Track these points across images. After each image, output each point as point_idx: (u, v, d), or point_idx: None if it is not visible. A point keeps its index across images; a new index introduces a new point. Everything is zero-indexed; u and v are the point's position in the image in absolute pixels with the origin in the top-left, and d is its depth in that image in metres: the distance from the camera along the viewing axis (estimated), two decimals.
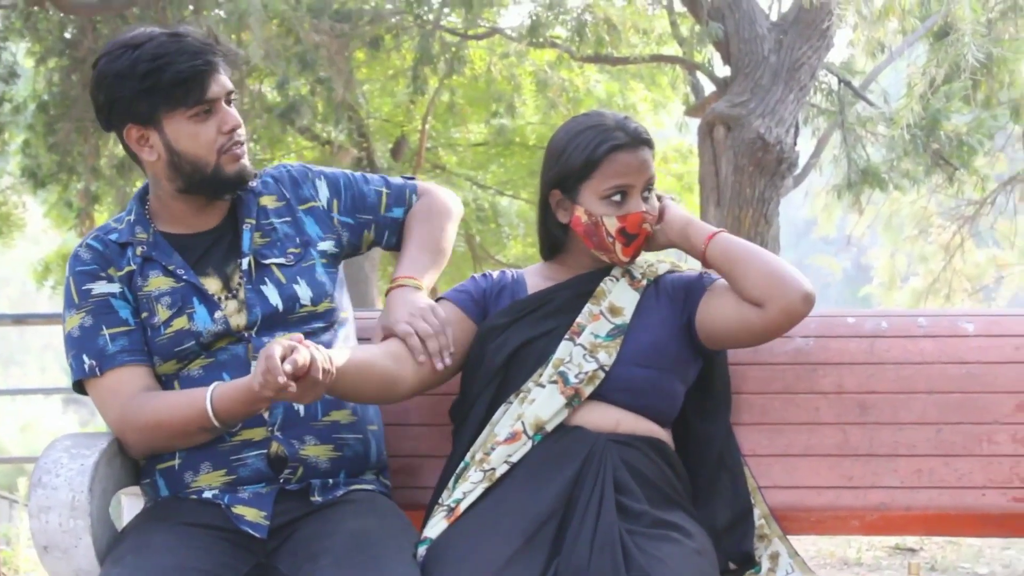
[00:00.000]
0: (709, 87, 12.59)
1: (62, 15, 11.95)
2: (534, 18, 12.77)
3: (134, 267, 3.26)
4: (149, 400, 3.17)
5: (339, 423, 3.26)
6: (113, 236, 3.30)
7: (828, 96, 12.56)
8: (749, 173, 10.34)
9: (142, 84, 3.14)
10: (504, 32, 14.12)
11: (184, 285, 3.24)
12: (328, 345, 3.27)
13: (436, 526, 3.11)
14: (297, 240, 3.36)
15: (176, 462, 3.19)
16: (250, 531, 3.10)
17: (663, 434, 3.31)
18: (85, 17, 11.86)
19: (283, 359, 2.80)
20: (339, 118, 13.57)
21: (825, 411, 3.53)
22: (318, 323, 3.29)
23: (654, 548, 2.95)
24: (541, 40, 13.12)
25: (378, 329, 3.30)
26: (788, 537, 3.47)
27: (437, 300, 3.47)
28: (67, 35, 12.38)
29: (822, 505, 3.50)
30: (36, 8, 11.73)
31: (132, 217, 3.32)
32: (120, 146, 10.90)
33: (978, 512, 3.49)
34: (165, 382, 3.23)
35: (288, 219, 3.38)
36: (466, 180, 17.43)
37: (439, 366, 3.23)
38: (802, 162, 11.83)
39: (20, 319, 9.50)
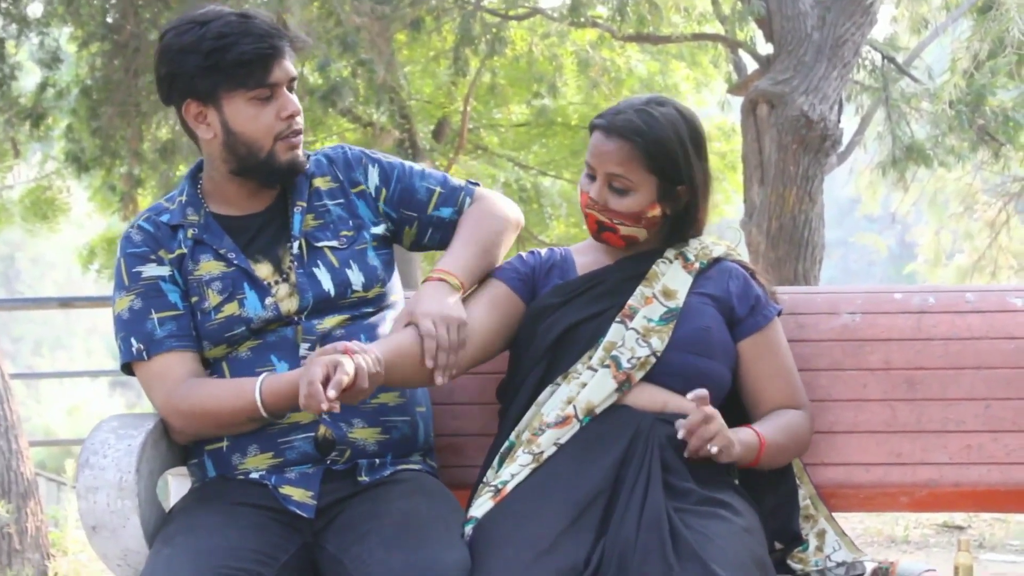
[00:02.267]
0: (751, 65, 12.55)
1: (104, 0, 11.99)
2: None
3: (185, 250, 3.25)
4: (196, 388, 3.17)
5: (387, 405, 3.25)
6: (165, 218, 3.29)
7: (872, 73, 12.50)
8: (793, 151, 10.29)
9: (205, 61, 3.14)
10: (545, 12, 14.09)
11: (235, 270, 3.23)
12: (375, 328, 3.28)
13: (482, 506, 3.11)
14: (350, 223, 3.35)
15: (224, 444, 3.20)
16: (297, 511, 3.11)
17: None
18: (127, 1, 11.88)
19: (326, 380, 2.81)
20: (381, 100, 13.56)
21: (872, 387, 3.52)
22: (368, 308, 3.28)
23: (702, 526, 2.93)
24: (582, 20, 13.09)
25: (404, 312, 3.24)
26: (835, 515, 3.46)
27: (485, 278, 3.46)
28: (109, 20, 12.41)
29: (871, 482, 3.48)
30: None
31: (184, 198, 3.31)
32: (163, 130, 10.85)
33: None
34: (213, 364, 3.23)
35: (341, 201, 3.37)
36: (508, 161, 17.42)
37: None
38: (846, 139, 11.76)
39: (66, 302, 9.57)
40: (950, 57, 11.70)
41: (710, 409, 3.03)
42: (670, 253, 3.37)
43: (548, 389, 3.28)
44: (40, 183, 15.66)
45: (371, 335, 3.27)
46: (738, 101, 12.14)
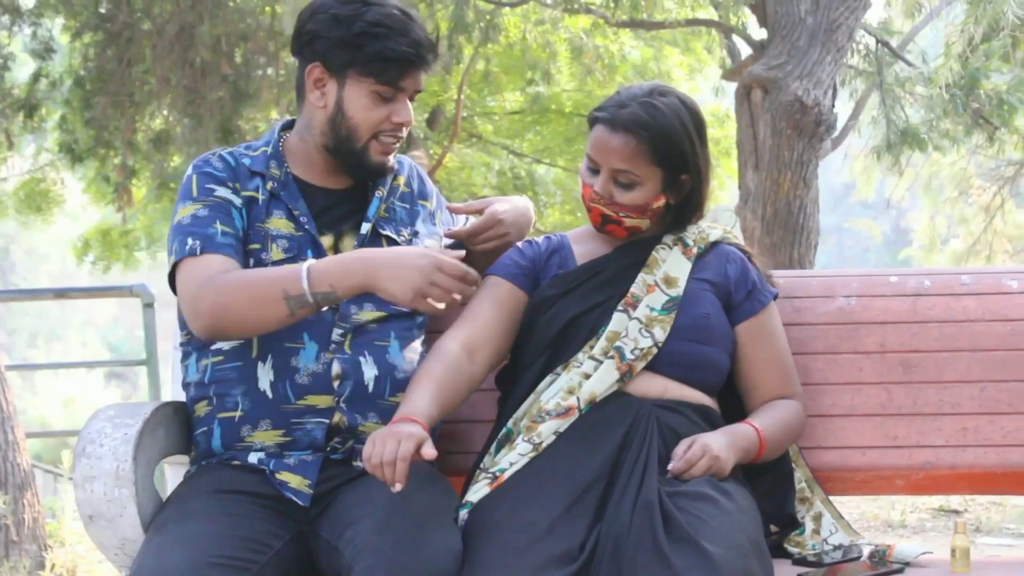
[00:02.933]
0: (745, 50, 12.55)
1: None
2: None
3: (260, 197, 3.27)
4: (236, 271, 3.16)
5: None
6: (246, 160, 3.32)
7: (866, 57, 12.50)
8: (787, 136, 10.30)
9: (351, 39, 3.19)
10: None
11: (304, 235, 3.26)
12: (409, 330, 3.35)
13: (479, 491, 3.11)
14: (409, 228, 3.42)
15: (238, 414, 3.19)
16: (294, 498, 3.11)
17: (709, 401, 3.30)
18: None
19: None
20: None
21: (868, 371, 3.52)
22: (404, 307, 3.27)
23: (695, 509, 2.94)
24: (576, 6, 13.08)
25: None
26: (832, 498, 3.47)
27: (484, 276, 3.46)
28: (102, 10, 12.39)
29: (866, 465, 3.50)
30: None
31: (269, 150, 3.35)
32: (157, 120, 10.81)
33: None
34: None
35: (408, 206, 3.45)
36: (502, 148, 17.41)
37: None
38: (840, 124, 11.78)
39: (61, 293, 9.53)
40: (944, 41, 11.70)
41: (691, 454, 3.07)
42: (668, 239, 3.37)
43: (548, 378, 3.28)
44: (34, 175, 15.64)
45: (402, 336, 3.32)
46: (732, 87, 12.14)
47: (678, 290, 3.29)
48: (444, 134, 16.35)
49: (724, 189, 16.33)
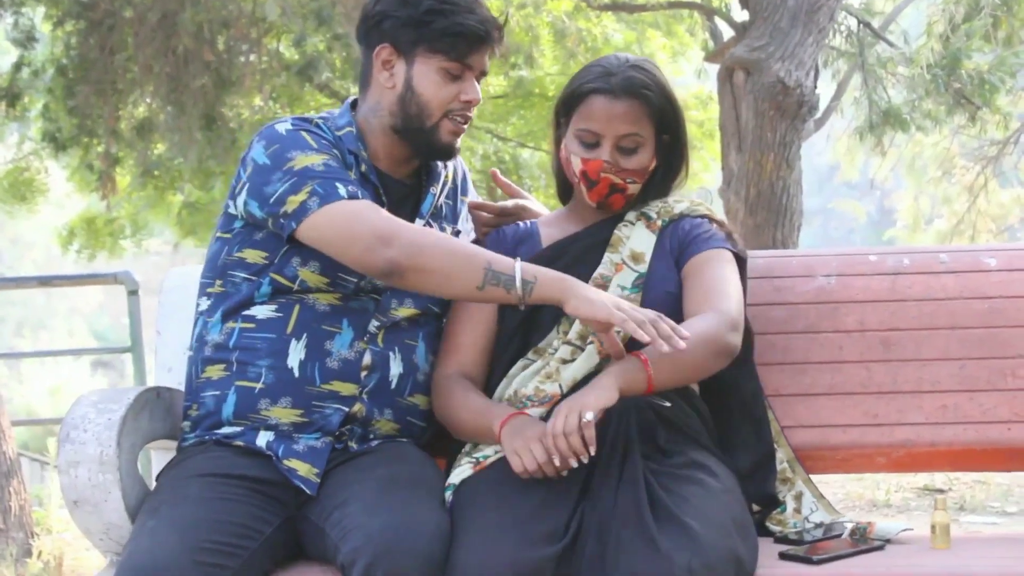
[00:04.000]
0: (727, 32, 12.55)
1: None
2: None
3: (354, 175, 3.27)
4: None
5: (417, 407, 3.32)
6: (341, 135, 3.31)
7: (848, 38, 12.51)
8: (770, 117, 10.30)
9: (421, 16, 3.22)
10: None
11: None
12: (432, 334, 3.37)
13: (462, 474, 3.13)
14: (453, 226, 3.45)
15: (259, 385, 3.19)
16: (302, 486, 3.12)
17: None
18: None
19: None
20: (358, 74, 13.54)
21: (848, 349, 3.54)
22: (437, 308, 3.35)
23: (680, 488, 2.95)
24: None
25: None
26: (813, 478, 3.48)
27: None
28: None
29: (847, 443, 3.51)
30: None
31: (353, 130, 3.33)
32: (140, 108, 10.77)
33: (1004, 446, 3.51)
34: (284, 296, 3.23)
35: (451, 202, 3.48)
36: (486, 133, 17.39)
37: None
38: (823, 105, 11.78)
39: (45, 281, 9.52)
40: (926, 21, 11.71)
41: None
42: (631, 215, 3.38)
43: (520, 363, 3.29)
44: (18, 164, 15.60)
45: (429, 339, 3.35)
46: (715, 69, 12.14)
47: (645, 265, 3.30)
48: None
49: (708, 171, 16.33)
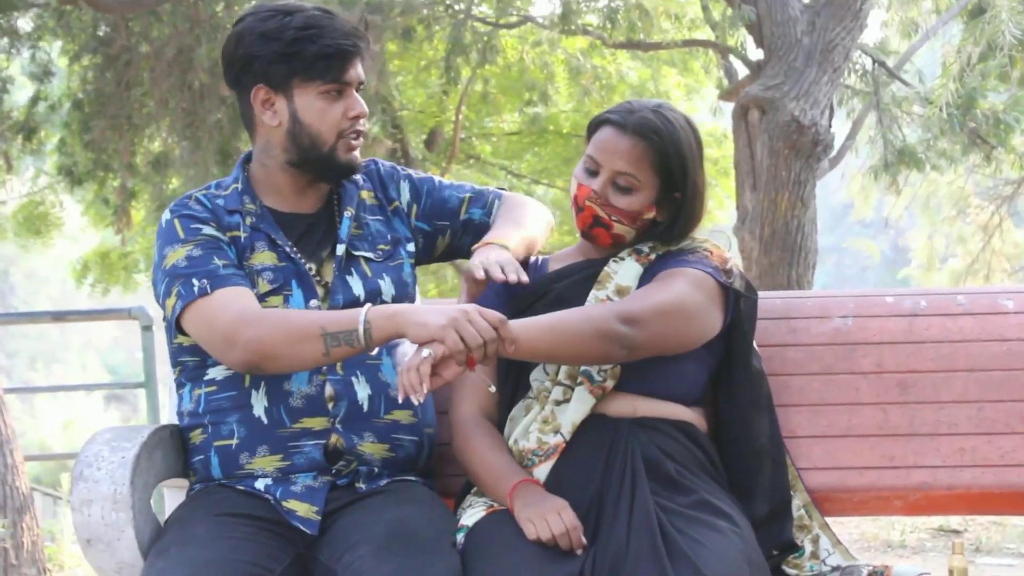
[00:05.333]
0: (742, 71, 12.57)
1: (95, 13, 11.98)
2: (566, 5, 12.75)
3: (243, 235, 3.25)
4: (276, 309, 3.17)
5: (399, 423, 3.27)
6: (220, 201, 3.29)
7: (863, 77, 12.52)
8: (784, 156, 10.30)
9: (287, 48, 3.17)
10: (536, 20, 14.10)
11: (287, 264, 3.25)
12: (395, 345, 3.31)
13: (474, 516, 3.12)
14: (388, 237, 3.39)
15: (234, 441, 3.19)
16: (301, 527, 3.11)
17: (688, 414, 3.26)
18: (117, 15, 11.88)
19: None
20: (373, 111, 13.57)
21: (865, 391, 3.52)
22: (368, 303, 3.23)
23: (693, 530, 2.93)
24: (573, 27, 13.10)
25: (463, 280, 3.22)
26: (831, 519, 3.46)
27: None
28: (100, 33, 12.41)
29: (864, 486, 3.49)
30: (69, 7, 11.77)
31: (239, 186, 3.32)
32: (155, 143, 10.80)
33: (1022, 490, 3.48)
34: None
35: (381, 217, 3.42)
36: (501, 169, 17.44)
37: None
38: (837, 144, 11.78)
39: (60, 316, 9.54)
40: (941, 60, 11.71)
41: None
42: (624, 252, 3.34)
43: (521, 404, 3.28)
44: (33, 198, 15.65)
45: (390, 347, 3.30)
46: (729, 107, 12.15)
47: None
48: (442, 155, 16.37)
49: (723, 209, 16.34)
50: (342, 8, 11.29)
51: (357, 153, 3.30)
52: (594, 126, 3.33)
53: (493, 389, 3.25)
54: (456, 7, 13.14)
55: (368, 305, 3.04)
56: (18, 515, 7.27)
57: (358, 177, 3.40)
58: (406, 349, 3.29)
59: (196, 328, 3.14)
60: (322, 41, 3.17)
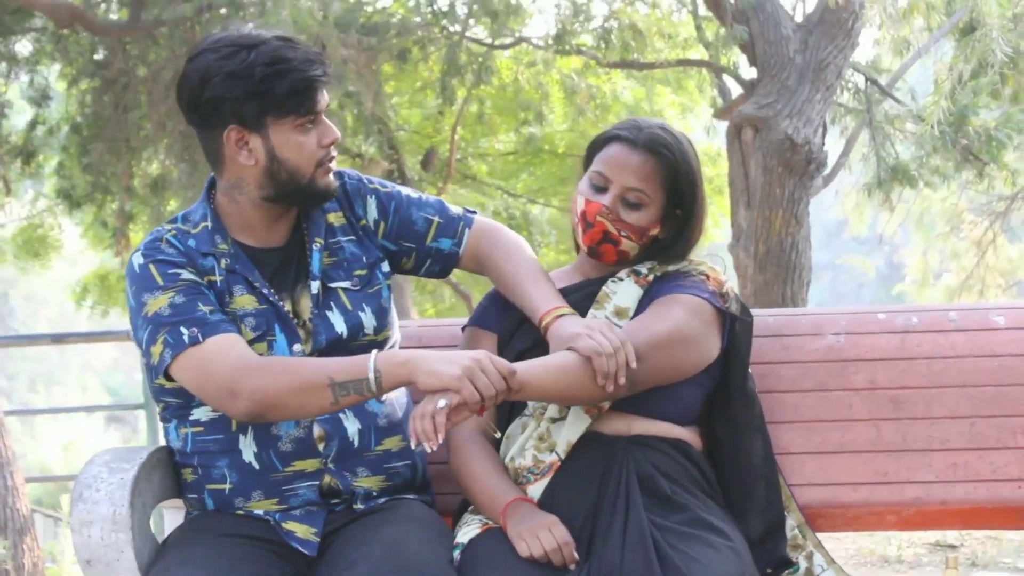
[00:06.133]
0: (736, 89, 12.58)
1: (93, 37, 12.00)
2: (560, 26, 12.77)
3: (218, 278, 3.17)
4: (276, 357, 3.13)
5: (390, 451, 3.26)
6: (192, 242, 3.19)
7: (855, 95, 12.52)
8: (778, 174, 10.31)
9: (258, 87, 3.07)
10: (530, 41, 14.12)
11: (268, 308, 3.18)
12: None
13: (469, 533, 3.13)
14: (364, 259, 3.32)
15: (227, 486, 3.18)
16: (300, 548, 3.12)
17: (683, 433, 3.28)
18: (115, 38, 11.91)
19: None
20: (369, 131, 13.57)
21: (858, 407, 3.53)
22: (375, 350, 3.19)
23: (687, 546, 2.95)
24: (567, 48, 13.12)
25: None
26: (824, 535, 3.48)
27: (463, 329, 3.48)
28: (97, 57, 12.43)
29: (857, 501, 3.50)
30: (66, 31, 11.79)
31: (209, 224, 3.22)
32: (153, 165, 10.79)
33: (1015, 505, 3.50)
34: None
35: (353, 237, 3.34)
36: (497, 189, 17.45)
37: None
38: (831, 162, 11.79)
39: (59, 338, 9.57)
40: (933, 78, 11.72)
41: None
42: (623, 272, 3.35)
43: (517, 421, 3.29)
44: (32, 220, 15.66)
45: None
46: (723, 125, 12.17)
47: (628, 320, 3.26)
48: (439, 175, 16.38)
49: (718, 227, 16.35)
50: (338, 30, 11.33)
51: (332, 177, 3.23)
52: (601, 143, 3.33)
53: (499, 435, 3.27)
54: (451, 28, 13.15)
55: (375, 352, 3.01)
56: (19, 536, 7.27)
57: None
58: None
59: (189, 377, 3.08)
60: (292, 76, 3.07)
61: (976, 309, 3.67)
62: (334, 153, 3.22)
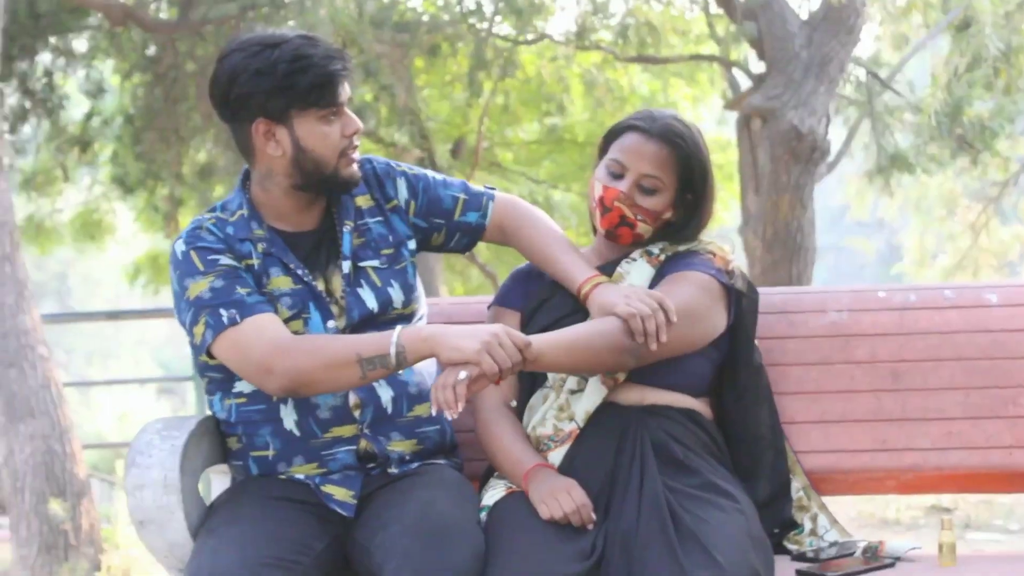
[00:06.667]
0: (745, 82, 12.53)
1: (144, 34, 12.01)
2: (580, 23, 12.74)
3: (256, 262, 3.19)
4: (308, 335, 3.13)
5: (420, 417, 3.27)
6: (230, 229, 3.21)
7: (857, 87, 12.47)
8: (785, 162, 10.28)
9: (281, 82, 3.08)
10: (552, 37, 14.09)
11: (303, 288, 3.20)
12: None
13: (494, 496, 3.15)
14: (390, 239, 3.32)
15: (270, 453, 3.20)
16: (339, 510, 3.13)
17: (694, 403, 3.28)
18: (165, 35, 11.91)
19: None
20: (402, 122, 13.56)
21: (859, 379, 3.53)
22: (402, 324, 3.23)
23: (699, 509, 2.96)
24: (587, 43, 13.09)
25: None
26: (827, 499, 3.48)
27: (488, 308, 3.48)
28: (149, 53, 12.43)
29: (859, 467, 3.51)
30: (120, 28, 11.80)
31: (245, 212, 3.24)
32: (201, 153, 10.84)
33: (1006, 470, 3.50)
34: None
35: (380, 218, 3.34)
36: (521, 175, 17.41)
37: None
38: (834, 150, 11.75)
39: (114, 315, 9.60)
40: (930, 71, 11.68)
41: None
42: (636, 253, 3.36)
43: (539, 393, 3.29)
44: (88, 206, 15.66)
45: None
46: (733, 116, 12.13)
47: None
48: (467, 163, 16.34)
49: (728, 211, 16.31)
50: (372, 27, 11.31)
51: (356, 166, 3.24)
52: (617, 132, 3.33)
53: (515, 403, 3.27)
54: (478, 26, 13.11)
55: (399, 328, 3.02)
56: (77, 499, 7.31)
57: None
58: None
59: (229, 356, 3.10)
60: (314, 71, 3.09)
61: (971, 287, 3.67)
62: (356, 143, 3.23)
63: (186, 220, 14.16)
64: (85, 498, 7.38)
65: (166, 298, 17.52)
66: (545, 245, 3.35)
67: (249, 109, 3.14)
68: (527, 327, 3.31)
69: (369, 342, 3.01)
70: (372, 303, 3.23)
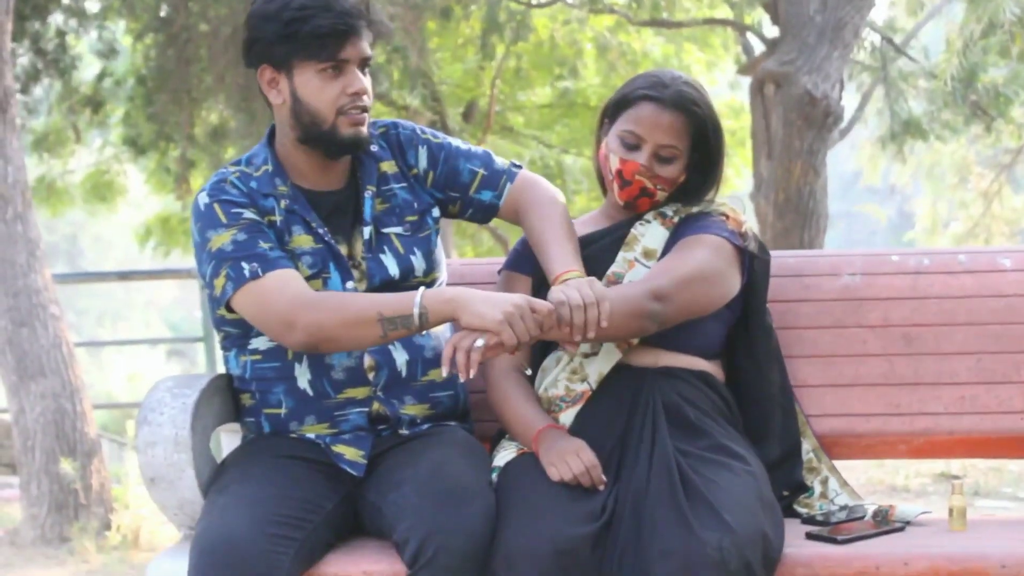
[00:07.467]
0: (759, 47, 12.50)
1: None
2: None
3: (277, 219, 3.18)
4: (331, 292, 3.13)
5: (434, 382, 3.26)
6: (254, 184, 3.20)
7: (871, 53, 12.44)
8: (798, 127, 10.26)
9: (284, 29, 3.08)
10: (566, 0, 14.05)
11: (324, 247, 3.18)
12: None
13: (505, 457, 3.15)
14: (415, 206, 3.31)
15: (283, 411, 3.20)
16: (349, 469, 3.13)
17: (707, 365, 3.28)
18: None
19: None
20: (414, 85, 13.53)
21: (872, 343, 3.52)
22: (423, 287, 3.15)
23: (710, 471, 2.95)
24: (600, 7, 13.06)
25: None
26: (839, 463, 3.48)
27: (499, 272, 3.47)
28: (161, 13, 12.41)
29: (871, 431, 3.50)
30: None
31: (270, 168, 3.22)
32: (213, 115, 10.86)
33: (1018, 435, 3.50)
34: None
35: (405, 184, 3.32)
36: (533, 139, 17.38)
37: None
38: (847, 116, 11.72)
39: (125, 275, 9.60)
40: (945, 37, 11.64)
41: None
42: (650, 215, 3.34)
43: (552, 356, 3.28)
44: (99, 167, 15.67)
45: None
46: (747, 81, 12.10)
47: (656, 261, 3.26)
48: (479, 126, 16.33)
49: (740, 177, 16.29)
50: None
51: (362, 128, 3.19)
52: (628, 101, 3.29)
53: (529, 372, 3.27)
54: None
55: (423, 289, 3.00)
56: (87, 458, 7.33)
57: (375, 148, 3.31)
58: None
59: (249, 309, 3.09)
60: (316, 21, 3.07)
61: (984, 252, 3.65)
62: (362, 103, 3.18)
63: (197, 183, 14.19)
64: (95, 457, 7.40)
65: (176, 260, 17.54)
66: (541, 232, 3.28)
67: (256, 54, 3.18)
68: (537, 293, 3.30)
69: (392, 302, 2.99)
70: (394, 269, 3.23)
